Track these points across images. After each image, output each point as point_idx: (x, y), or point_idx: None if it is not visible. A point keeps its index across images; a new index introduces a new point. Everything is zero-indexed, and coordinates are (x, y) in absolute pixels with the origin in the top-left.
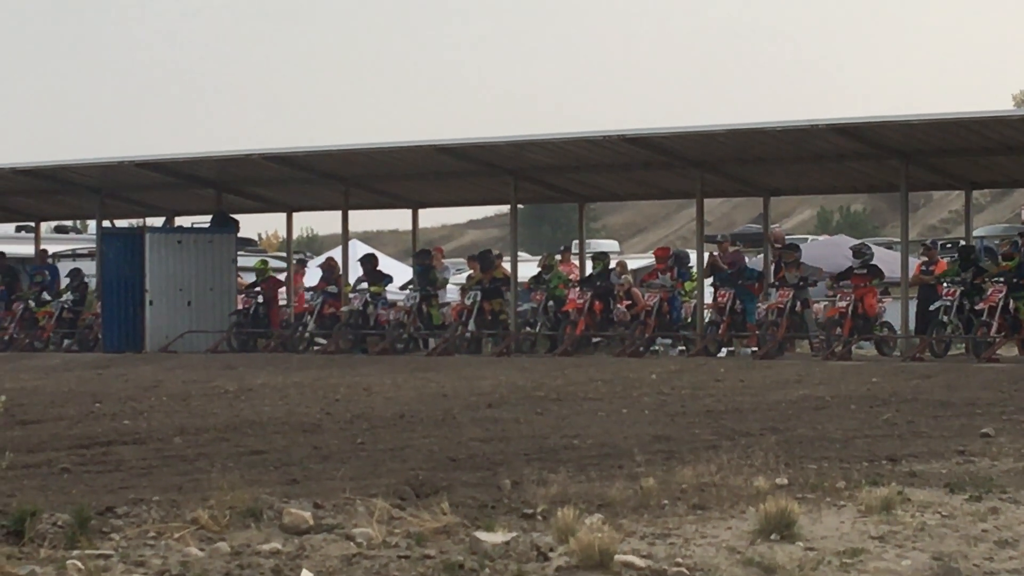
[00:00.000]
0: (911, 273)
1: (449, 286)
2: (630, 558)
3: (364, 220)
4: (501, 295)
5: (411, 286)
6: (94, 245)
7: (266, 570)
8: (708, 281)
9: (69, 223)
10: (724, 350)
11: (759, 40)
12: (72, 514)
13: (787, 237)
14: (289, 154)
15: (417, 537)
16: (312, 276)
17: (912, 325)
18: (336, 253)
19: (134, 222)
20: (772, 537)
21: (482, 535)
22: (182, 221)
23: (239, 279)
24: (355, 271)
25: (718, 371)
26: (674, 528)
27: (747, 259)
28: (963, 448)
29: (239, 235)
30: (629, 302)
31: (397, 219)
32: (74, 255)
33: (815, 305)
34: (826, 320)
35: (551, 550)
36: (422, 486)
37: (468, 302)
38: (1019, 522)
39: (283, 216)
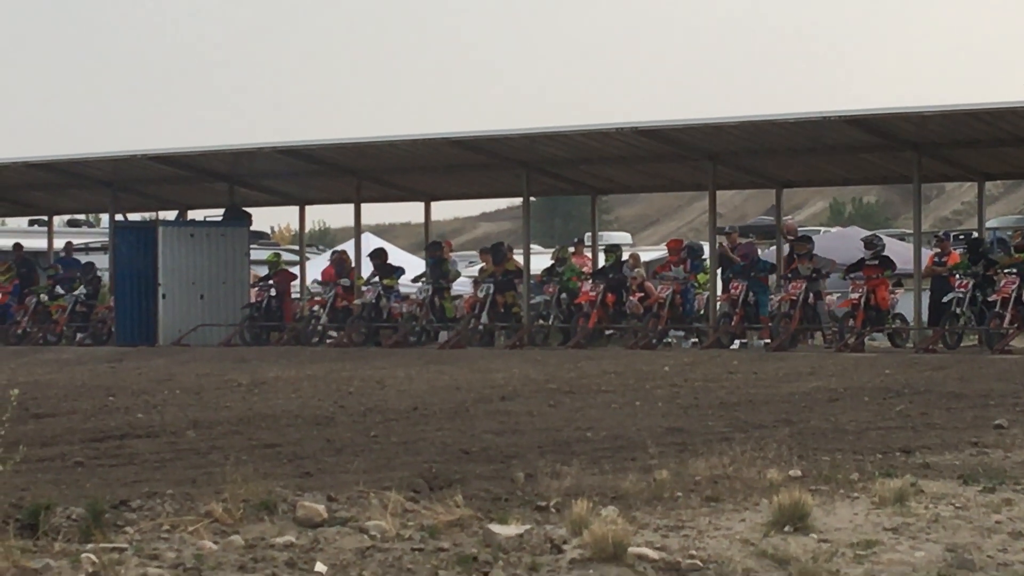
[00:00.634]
0: (923, 265)
1: (461, 279)
2: (644, 550)
3: (376, 213)
4: (514, 287)
5: (423, 279)
6: (107, 239)
7: (280, 563)
8: (720, 273)
9: (82, 217)
10: (737, 342)
11: (771, 33)
12: (86, 508)
13: (799, 229)
14: (301, 147)
15: (431, 530)
16: (318, 269)
17: (925, 317)
18: (349, 246)
19: (147, 216)
20: (786, 529)
21: (496, 528)
22: (195, 215)
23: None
24: (367, 266)
25: (731, 363)
26: (688, 520)
27: (760, 251)
28: (976, 439)
29: (252, 228)
30: (642, 294)
31: (409, 212)
32: (87, 249)
33: (828, 297)
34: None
35: (565, 542)
36: (435, 479)
37: (481, 295)
38: None
39: (295, 209)
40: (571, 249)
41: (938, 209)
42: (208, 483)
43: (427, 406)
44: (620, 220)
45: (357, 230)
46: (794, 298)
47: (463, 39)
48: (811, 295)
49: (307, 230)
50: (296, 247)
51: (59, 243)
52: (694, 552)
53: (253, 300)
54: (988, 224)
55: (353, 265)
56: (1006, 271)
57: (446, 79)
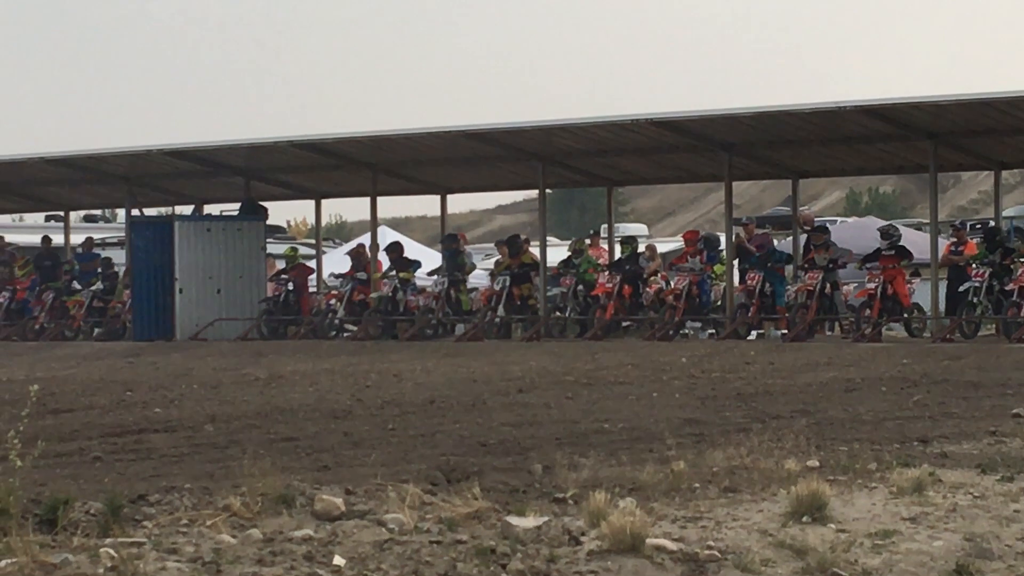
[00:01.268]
0: (940, 254)
1: (477, 271)
2: (662, 541)
3: (392, 206)
4: (530, 280)
5: (439, 272)
6: (123, 234)
7: (298, 556)
8: (736, 263)
9: (98, 212)
10: (754, 333)
11: (786, 23)
12: (105, 502)
13: (816, 219)
14: (317, 141)
15: (449, 522)
16: (334, 263)
17: (942, 306)
18: (365, 239)
19: (163, 211)
20: (804, 519)
21: (514, 520)
22: (211, 209)
23: (272, 263)
24: (383, 259)
25: (748, 354)
26: (706, 511)
27: (776, 241)
28: (994, 429)
29: (268, 222)
30: (659, 286)
31: (425, 205)
32: (104, 244)
33: (845, 287)
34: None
35: (583, 534)
36: (453, 471)
37: (497, 287)
38: None
39: (312, 203)
40: (587, 241)
41: (955, 198)
42: (226, 477)
43: (444, 399)
44: (636, 212)
45: (373, 223)
46: (811, 288)
47: (478, 32)
48: (828, 285)
49: (323, 224)
50: (312, 241)
51: (76, 238)
52: (712, 543)
53: (270, 294)
54: (1005, 213)
55: (369, 259)
56: (1023, 260)
57: (462, 72)
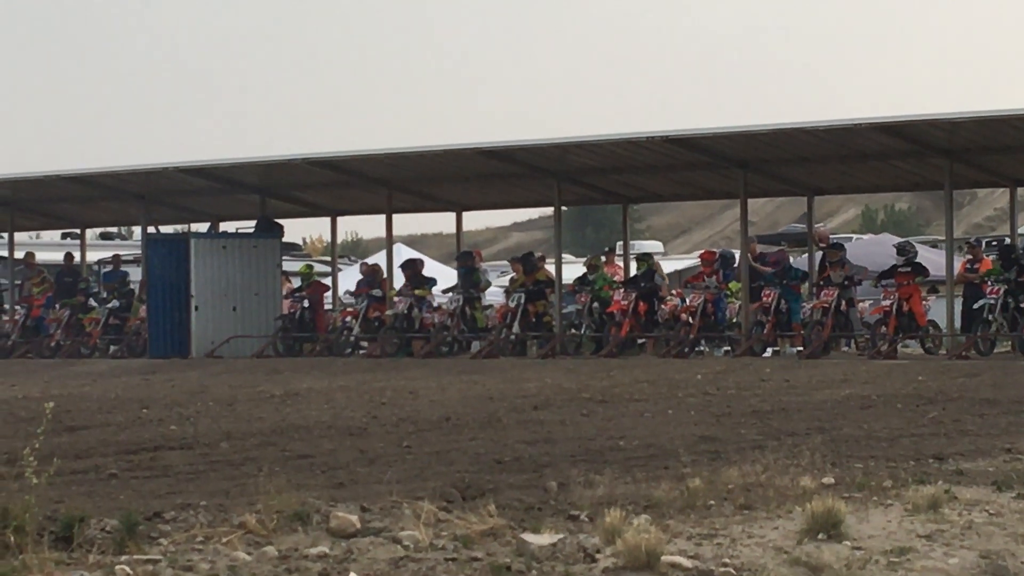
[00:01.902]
0: (956, 271)
1: (492, 288)
2: (677, 559)
3: (408, 223)
4: (545, 297)
5: (454, 289)
6: (139, 251)
7: (313, 573)
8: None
9: (114, 229)
10: (769, 350)
11: (801, 40)
12: (120, 519)
13: (832, 236)
14: (333, 158)
15: (464, 539)
16: (350, 280)
17: (958, 323)
18: (380, 256)
19: (179, 228)
20: (819, 537)
21: (529, 537)
22: (227, 226)
23: (287, 281)
24: (399, 277)
25: (763, 371)
26: (721, 528)
27: (791, 259)
28: (1010, 446)
29: (284, 240)
30: (675, 303)
31: (441, 222)
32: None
33: (860, 304)
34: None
35: (598, 551)
36: (468, 489)
37: (512, 304)
38: None
39: (327, 220)
40: (603, 258)
41: (970, 215)
42: (241, 494)
43: (459, 416)
44: (652, 229)
45: (389, 241)
46: (826, 305)
47: (493, 50)
48: (843, 302)
49: (339, 241)
50: (328, 258)
51: (92, 256)
52: (727, 560)
53: (286, 311)
54: (1021, 230)
55: (385, 276)
56: None
57: (477, 89)
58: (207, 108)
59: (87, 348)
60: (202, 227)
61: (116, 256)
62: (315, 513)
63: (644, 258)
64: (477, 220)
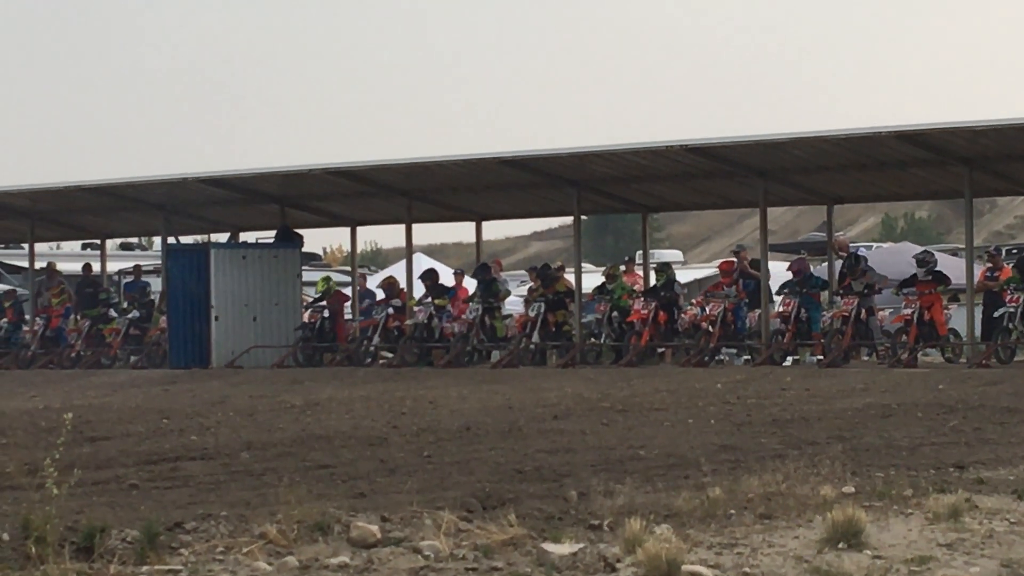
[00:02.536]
0: (976, 280)
1: (512, 298)
2: (698, 568)
3: (428, 233)
4: (564, 306)
5: (473, 299)
6: (159, 262)
7: None
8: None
9: (134, 240)
10: (789, 359)
11: (820, 48)
12: (141, 530)
13: (852, 244)
14: (352, 168)
15: (484, 549)
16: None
17: (978, 332)
18: (400, 266)
19: (199, 238)
20: (840, 546)
21: (549, 546)
22: (247, 237)
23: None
24: (419, 286)
25: (784, 380)
26: (741, 537)
27: (812, 267)
28: None
29: (303, 250)
30: (695, 312)
31: (461, 232)
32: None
33: (880, 313)
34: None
35: (618, 561)
36: (489, 498)
37: (532, 314)
38: None
39: (347, 230)
40: (622, 267)
41: (991, 224)
42: (262, 504)
43: (480, 425)
44: (672, 238)
45: (409, 250)
46: (846, 314)
47: (511, 59)
48: (863, 311)
49: (359, 251)
50: (348, 268)
51: (112, 266)
52: (748, 569)
53: (307, 321)
54: None
55: (403, 287)
56: None
57: (495, 99)
58: (227, 119)
59: (107, 359)
60: (222, 237)
61: (137, 267)
62: (336, 523)
63: (663, 268)
64: (497, 230)
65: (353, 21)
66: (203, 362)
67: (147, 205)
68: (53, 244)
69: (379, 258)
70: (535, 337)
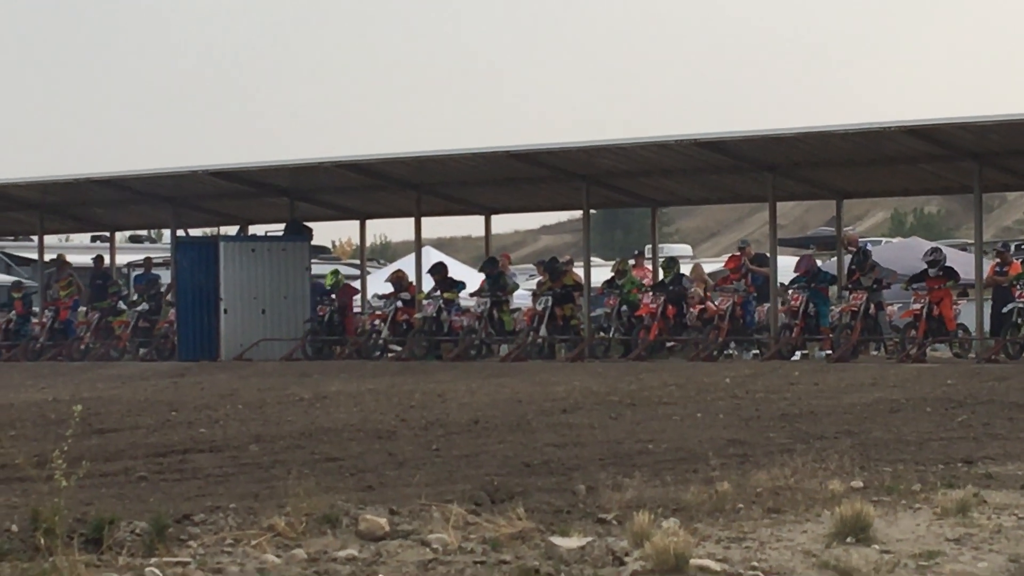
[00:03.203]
0: (984, 275)
1: (520, 291)
2: (706, 562)
3: (437, 226)
4: (572, 300)
5: (481, 292)
6: (168, 254)
7: None
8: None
9: (144, 233)
10: (798, 353)
11: (829, 43)
12: (150, 522)
13: (861, 239)
14: (361, 161)
15: (492, 542)
16: (379, 283)
17: (987, 327)
18: (409, 259)
19: (208, 231)
20: (848, 540)
21: (557, 540)
22: (256, 229)
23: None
24: (427, 280)
25: (792, 375)
26: (749, 532)
27: (820, 262)
28: None
29: (312, 243)
30: (703, 306)
31: (470, 225)
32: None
33: (889, 307)
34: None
35: (626, 554)
36: (497, 492)
37: (540, 307)
38: None
39: (356, 223)
40: (631, 261)
41: (1000, 219)
42: (271, 497)
43: (488, 419)
44: (680, 232)
45: (417, 244)
46: (855, 309)
47: (521, 54)
48: (872, 306)
49: (368, 244)
50: (357, 261)
51: (122, 259)
52: (756, 563)
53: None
54: None
55: (412, 280)
56: None
57: (505, 93)
58: (237, 112)
59: (116, 351)
60: (231, 230)
61: (148, 259)
62: (344, 516)
63: (670, 264)
64: (506, 223)
65: (363, 14)
66: (212, 355)
67: (156, 198)
68: (62, 236)
69: (388, 251)
70: (543, 331)
